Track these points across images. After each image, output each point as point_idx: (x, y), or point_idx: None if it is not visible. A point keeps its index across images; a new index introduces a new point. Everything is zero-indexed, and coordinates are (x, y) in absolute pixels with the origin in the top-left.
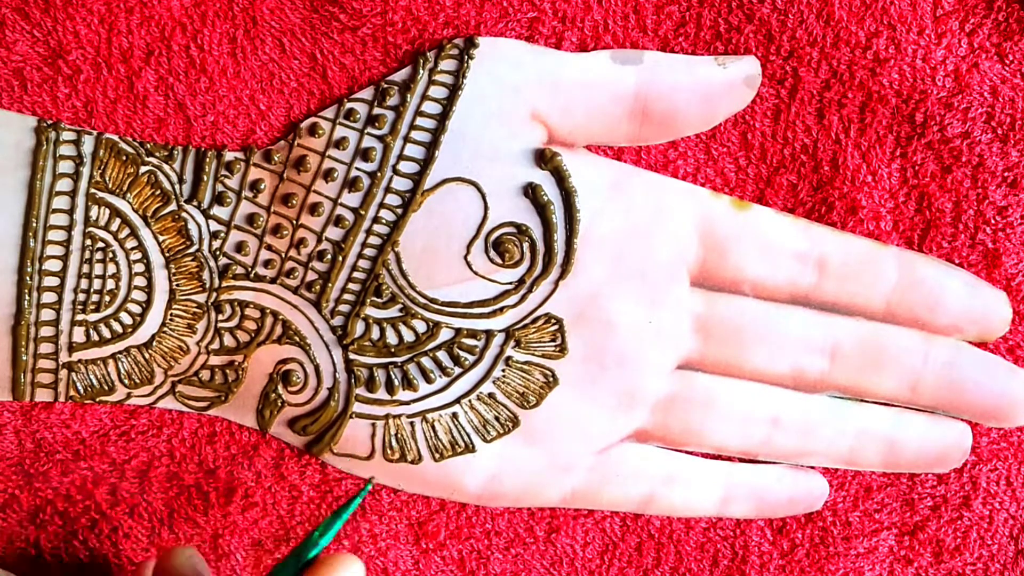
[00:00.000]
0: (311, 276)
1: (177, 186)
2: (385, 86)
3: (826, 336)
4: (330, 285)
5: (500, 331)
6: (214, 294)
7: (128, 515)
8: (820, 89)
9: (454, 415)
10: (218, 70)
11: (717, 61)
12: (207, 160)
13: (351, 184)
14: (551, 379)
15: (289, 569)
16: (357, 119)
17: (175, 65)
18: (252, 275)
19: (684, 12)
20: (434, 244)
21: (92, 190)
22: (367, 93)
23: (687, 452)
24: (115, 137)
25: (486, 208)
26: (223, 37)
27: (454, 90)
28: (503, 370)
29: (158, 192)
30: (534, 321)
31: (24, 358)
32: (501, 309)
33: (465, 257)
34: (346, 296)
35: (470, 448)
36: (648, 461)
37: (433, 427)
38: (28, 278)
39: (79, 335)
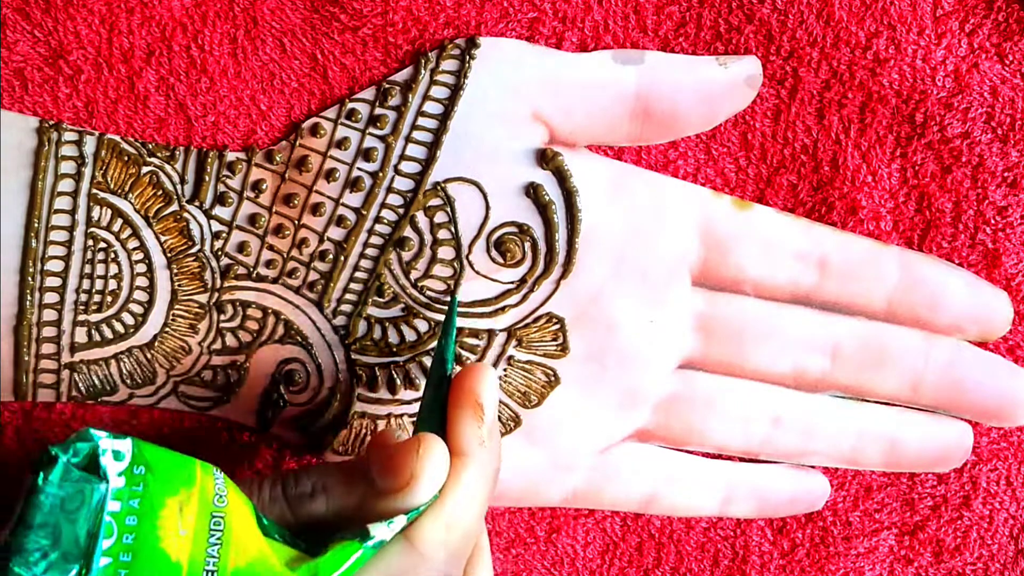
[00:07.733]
0: (313, 276)
1: (179, 186)
2: (387, 86)
3: (827, 336)
4: (332, 285)
5: (502, 330)
6: (216, 294)
7: None
8: (820, 89)
9: None
10: (219, 70)
11: (718, 61)
12: (209, 160)
13: (353, 184)
14: (553, 378)
15: (437, 405)
16: (359, 119)
17: (176, 65)
18: (254, 275)
19: (684, 12)
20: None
21: (94, 191)
22: (368, 93)
23: (688, 452)
24: (117, 138)
25: (488, 208)
26: (224, 37)
27: (455, 90)
28: (505, 369)
29: (160, 192)
30: (536, 320)
31: (26, 358)
32: (503, 308)
33: (467, 257)
34: (348, 296)
35: None
36: (649, 461)
37: None
38: (30, 278)
39: (81, 335)
